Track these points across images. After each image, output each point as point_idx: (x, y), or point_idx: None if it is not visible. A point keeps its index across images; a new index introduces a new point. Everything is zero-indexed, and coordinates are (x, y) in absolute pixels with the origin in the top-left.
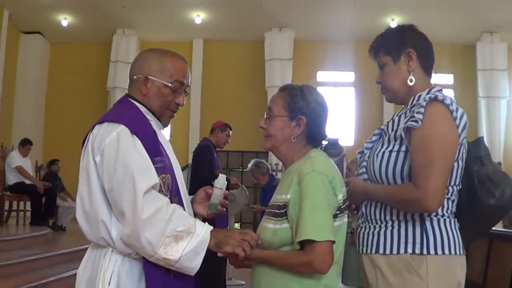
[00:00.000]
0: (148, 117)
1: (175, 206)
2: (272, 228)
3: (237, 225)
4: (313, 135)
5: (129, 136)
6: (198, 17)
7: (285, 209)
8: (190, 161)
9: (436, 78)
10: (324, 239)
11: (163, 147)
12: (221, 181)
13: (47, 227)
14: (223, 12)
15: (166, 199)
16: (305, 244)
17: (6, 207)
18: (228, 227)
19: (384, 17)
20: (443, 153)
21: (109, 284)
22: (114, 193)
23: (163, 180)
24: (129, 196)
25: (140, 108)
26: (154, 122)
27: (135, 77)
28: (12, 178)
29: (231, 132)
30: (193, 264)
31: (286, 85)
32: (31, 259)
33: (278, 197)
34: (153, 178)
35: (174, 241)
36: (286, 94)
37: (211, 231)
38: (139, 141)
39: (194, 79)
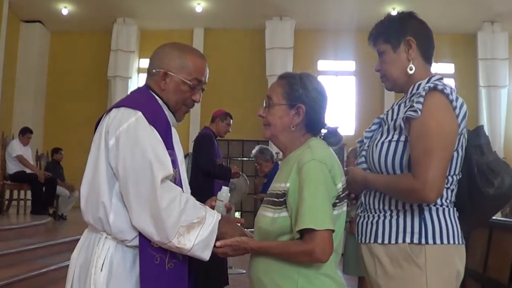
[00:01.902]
0: (164, 110)
1: (187, 196)
2: (270, 217)
3: (237, 214)
4: (312, 124)
5: (147, 124)
6: (199, 5)
7: (284, 198)
8: (190, 150)
9: (437, 68)
10: (324, 228)
11: (173, 143)
12: (224, 194)
13: (48, 216)
14: (224, 0)
15: (179, 189)
16: (304, 233)
17: (7, 196)
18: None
19: (385, 6)
20: (442, 143)
21: (101, 270)
22: (129, 179)
23: (173, 175)
24: (147, 184)
25: (158, 101)
26: (169, 117)
27: (154, 70)
28: (12, 167)
29: (231, 121)
30: (204, 254)
31: (285, 73)
32: (32, 248)
33: (277, 186)
34: (169, 168)
35: (186, 231)
36: (285, 83)
37: (220, 221)
38: (156, 131)
39: None
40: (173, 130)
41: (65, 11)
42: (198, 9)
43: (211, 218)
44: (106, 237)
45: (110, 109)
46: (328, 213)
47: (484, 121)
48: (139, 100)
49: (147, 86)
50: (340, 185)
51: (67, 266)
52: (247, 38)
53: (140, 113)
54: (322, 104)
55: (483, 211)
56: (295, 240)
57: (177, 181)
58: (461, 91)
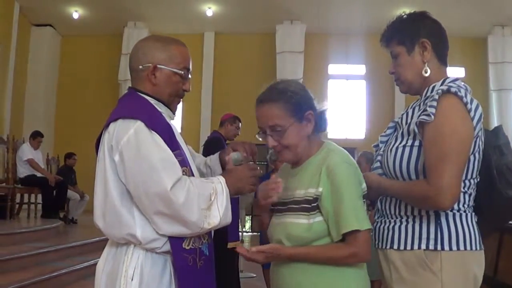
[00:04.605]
0: (159, 109)
1: (190, 179)
2: (306, 223)
3: (248, 218)
4: (319, 121)
5: (147, 131)
6: (209, 9)
7: (317, 203)
8: (201, 154)
9: (448, 72)
10: (366, 228)
11: (178, 142)
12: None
13: (59, 220)
14: (234, 4)
15: (184, 177)
16: (347, 235)
17: (18, 200)
18: (240, 220)
19: (395, 9)
20: (456, 148)
21: (132, 279)
22: (141, 193)
23: (184, 173)
24: (158, 194)
25: (150, 101)
26: (166, 114)
27: (141, 66)
28: (23, 171)
29: (240, 124)
30: (228, 218)
31: (269, 94)
32: (43, 251)
33: (301, 192)
34: (178, 172)
35: (208, 210)
36: (280, 103)
37: (225, 182)
38: (158, 136)
39: (205, 71)
40: (174, 126)
41: (76, 15)
42: (209, 13)
43: (219, 184)
44: (134, 246)
45: (108, 124)
46: (365, 213)
47: (495, 124)
48: (133, 107)
49: (133, 89)
50: (364, 185)
51: (78, 269)
52: (258, 42)
53: (138, 122)
54: (312, 99)
55: (503, 213)
56: (337, 244)
57: None
58: (472, 95)
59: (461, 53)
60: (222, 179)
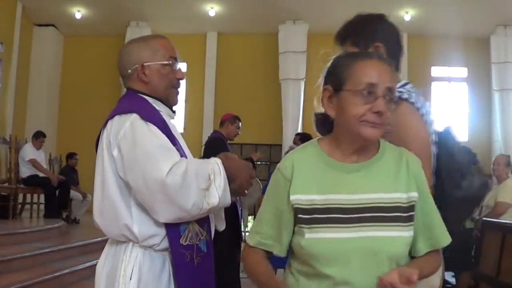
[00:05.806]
0: (157, 107)
1: (190, 160)
2: (408, 237)
3: (250, 218)
4: None
5: (142, 122)
6: (212, 9)
7: (414, 211)
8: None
9: (450, 72)
10: None
11: (175, 138)
12: None
13: (61, 220)
14: (237, 4)
15: (180, 158)
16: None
17: (20, 200)
18: (242, 220)
19: (398, 10)
20: (424, 151)
21: (130, 278)
22: (140, 180)
23: None
24: (156, 177)
25: (149, 100)
26: (165, 113)
27: (129, 70)
28: (25, 171)
29: (240, 124)
30: (228, 200)
31: (386, 58)
32: (45, 252)
33: (383, 196)
34: (175, 156)
35: (207, 190)
36: (392, 69)
37: (222, 163)
38: (154, 126)
39: (207, 71)
40: (174, 127)
41: (78, 15)
42: (212, 13)
43: (216, 165)
44: (133, 245)
45: (106, 122)
46: None
47: (497, 125)
48: (129, 103)
49: (132, 90)
50: None
51: (81, 270)
52: (260, 42)
53: (134, 115)
54: None
55: (456, 213)
56: (427, 258)
57: None
58: (474, 95)
59: (463, 53)
60: (218, 160)
